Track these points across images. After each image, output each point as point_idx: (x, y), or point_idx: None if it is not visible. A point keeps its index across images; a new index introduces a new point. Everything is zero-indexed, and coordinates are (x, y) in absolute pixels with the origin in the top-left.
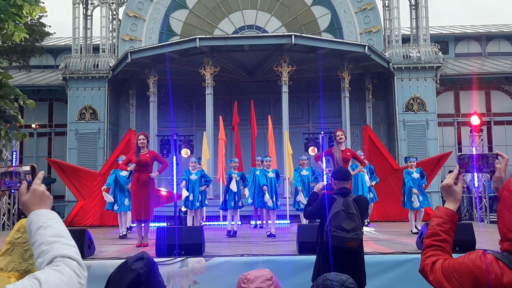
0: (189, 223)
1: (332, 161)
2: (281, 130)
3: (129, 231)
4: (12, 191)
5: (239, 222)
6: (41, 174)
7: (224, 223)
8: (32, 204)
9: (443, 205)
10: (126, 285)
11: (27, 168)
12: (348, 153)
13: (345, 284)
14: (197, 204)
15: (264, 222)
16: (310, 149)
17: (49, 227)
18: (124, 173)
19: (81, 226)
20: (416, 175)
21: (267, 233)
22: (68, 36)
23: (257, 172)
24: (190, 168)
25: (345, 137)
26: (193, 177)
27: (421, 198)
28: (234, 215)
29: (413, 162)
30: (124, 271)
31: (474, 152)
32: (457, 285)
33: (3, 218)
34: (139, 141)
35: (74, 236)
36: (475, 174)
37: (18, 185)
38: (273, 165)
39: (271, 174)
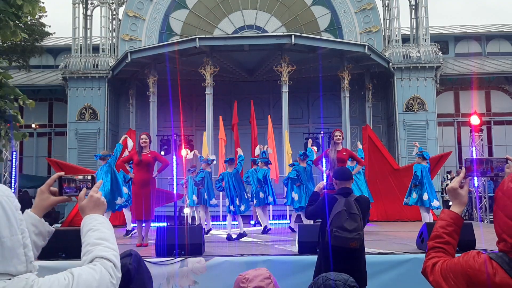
0: (197, 220)
1: (329, 162)
2: (281, 130)
3: (127, 236)
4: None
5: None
6: (99, 183)
7: (224, 223)
8: (88, 208)
9: (443, 205)
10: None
11: (88, 177)
12: (344, 153)
13: (347, 283)
14: (212, 202)
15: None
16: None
17: (97, 230)
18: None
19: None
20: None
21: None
22: (68, 36)
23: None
24: (202, 167)
25: (343, 138)
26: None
27: (426, 197)
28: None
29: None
30: None
31: (474, 152)
32: (453, 285)
33: None
34: (141, 141)
35: (74, 236)
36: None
37: (75, 192)
38: (271, 166)
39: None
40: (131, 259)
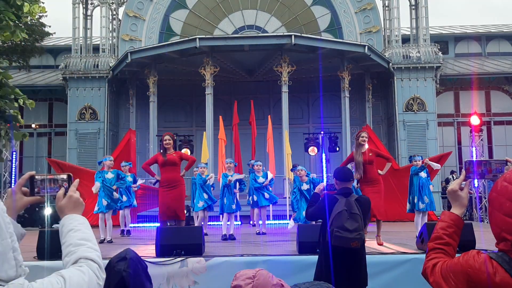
0: (197, 223)
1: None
2: (281, 130)
3: (124, 235)
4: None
5: (239, 222)
6: (76, 182)
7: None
8: (67, 209)
9: (442, 204)
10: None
11: (64, 176)
12: (371, 154)
13: None
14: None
15: (254, 221)
16: (310, 149)
17: (78, 230)
18: (110, 176)
19: None
20: (423, 174)
21: (257, 232)
22: (68, 36)
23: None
24: (200, 172)
25: (369, 139)
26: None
27: (427, 200)
28: (230, 218)
29: (419, 160)
30: (110, 271)
31: (474, 153)
32: (453, 285)
33: None
34: (164, 142)
35: None
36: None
37: (56, 191)
38: (271, 167)
39: (261, 179)
40: (126, 265)
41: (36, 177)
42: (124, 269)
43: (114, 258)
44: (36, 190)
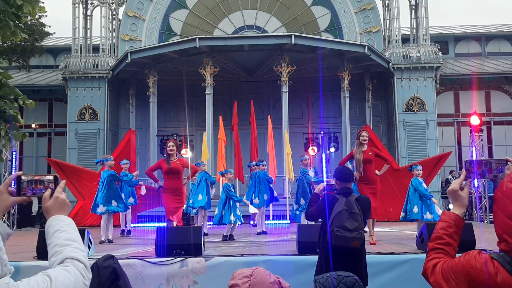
0: (198, 223)
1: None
2: (281, 130)
3: (124, 235)
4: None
5: (239, 222)
6: (62, 183)
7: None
8: (53, 209)
9: (442, 204)
10: (105, 280)
11: (51, 177)
12: (370, 153)
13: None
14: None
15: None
16: (310, 149)
17: (64, 231)
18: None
19: (81, 226)
20: (424, 185)
21: (257, 232)
22: (68, 36)
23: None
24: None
25: (369, 138)
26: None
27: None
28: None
29: (420, 170)
30: (97, 271)
31: (474, 153)
32: (454, 285)
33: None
34: (168, 149)
35: None
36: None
37: (42, 191)
38: (271, 167)
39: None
40: (113, 260)
41: (23, 177)
42: (114, 263)
43: (99, 259)
44: (22, 190)
